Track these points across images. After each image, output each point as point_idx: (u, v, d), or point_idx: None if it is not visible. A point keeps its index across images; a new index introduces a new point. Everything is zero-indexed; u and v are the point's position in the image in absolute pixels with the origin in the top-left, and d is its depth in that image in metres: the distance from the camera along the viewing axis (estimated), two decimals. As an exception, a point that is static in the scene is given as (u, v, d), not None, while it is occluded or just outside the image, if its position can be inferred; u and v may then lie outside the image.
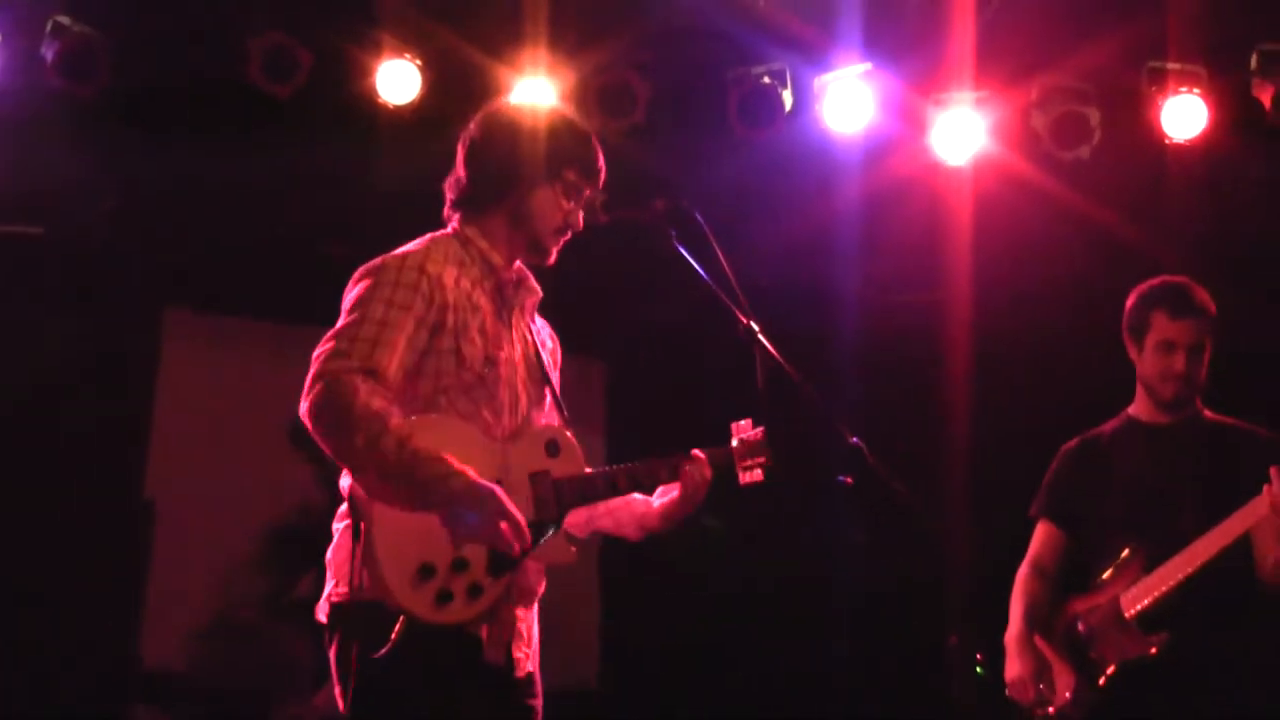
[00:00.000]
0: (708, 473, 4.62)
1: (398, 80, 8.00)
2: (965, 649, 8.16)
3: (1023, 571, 5.99)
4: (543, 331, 4.75)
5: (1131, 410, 5.88)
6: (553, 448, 4.45)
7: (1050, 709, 5.62)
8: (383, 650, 4.05)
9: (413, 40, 7.99)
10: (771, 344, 4.55)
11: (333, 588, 4.30)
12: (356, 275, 4.35)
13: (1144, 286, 5.81)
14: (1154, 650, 5.38)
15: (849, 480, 4.54)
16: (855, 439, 4.50)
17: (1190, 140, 7.94)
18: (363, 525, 4.08)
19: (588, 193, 4.58)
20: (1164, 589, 5.38)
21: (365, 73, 8.01)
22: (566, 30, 7.96)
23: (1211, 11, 7.82)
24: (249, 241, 9.11)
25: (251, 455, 9.11)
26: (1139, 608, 5.44)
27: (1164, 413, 5.71)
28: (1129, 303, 5.83)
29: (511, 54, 8.00)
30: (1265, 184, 8.29)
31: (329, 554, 4.37)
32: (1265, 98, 7.73)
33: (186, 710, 8.23)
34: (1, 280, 8.77)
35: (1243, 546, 5.31)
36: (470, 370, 4.33)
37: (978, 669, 8.05)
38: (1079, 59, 8.03)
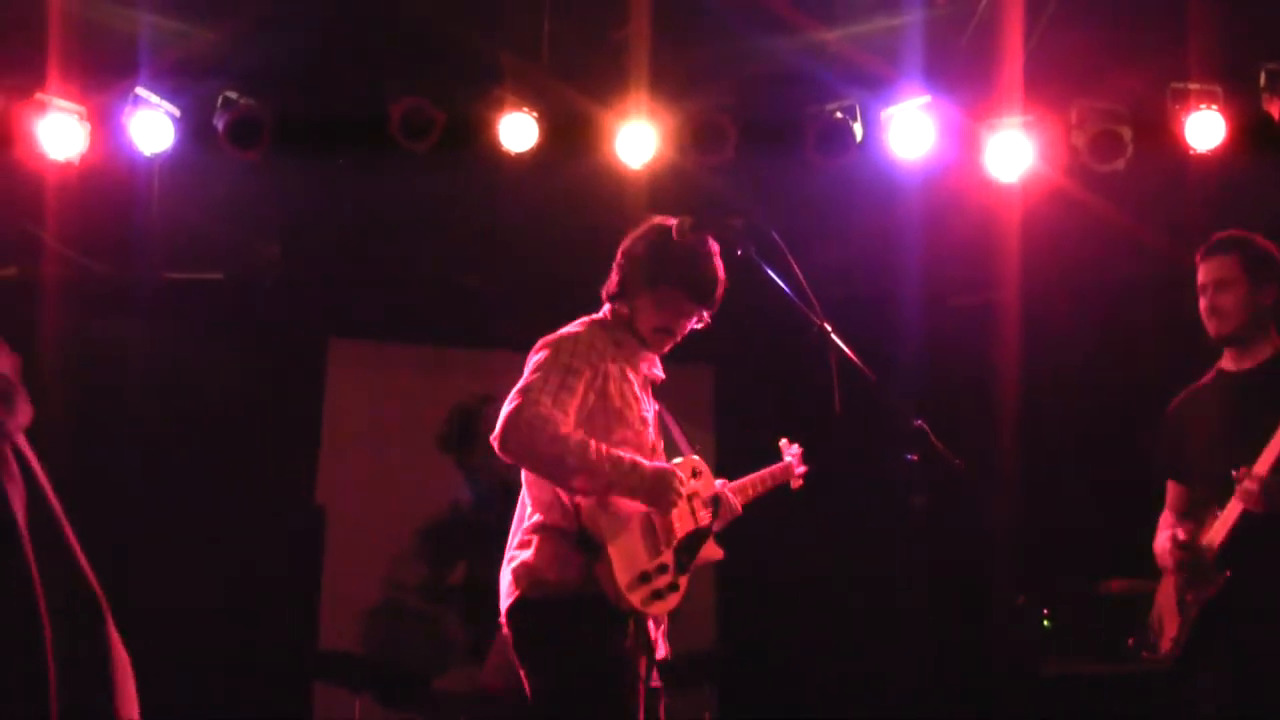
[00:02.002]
0: (739, 509, 5.45)
1: (518, 131, 8.32)
2: (1032, 605, 8.87)
3: (1163, 517, 5.97)
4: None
5: (1221, 362, 5.86)
6: (696, 474, 5.27)
7: (1159, 650, 5.73)
8: (627, 639, 4.86)
9: (530, 94, 8.33)
10: (842, 342, 5.07)
11: (543, 587, 4.90)
12: (537, 346, 5.05)
13: None
14: (1217, 586, 5.43)
15: (914, 457, 5.09)
16: (919, 422, 5.08)
17: (1211, 151, 8.18)
18: (601, 546, 4.80)
19: (689, 305, 5.20)
20: (1227, 527, 5.42)
21: (489, 125, 8.32)
22: (665, 79, 8.35)
23: (1225, 37, 8.05)
24: (397, 277, 9.73)
25: (407, 463, 9.71)
26: (1213, 548, 5.47)
27: (1243, 359, 5.73)
28: None
29: (616, 102, 8.38)
30: (1277, 189, 8.34)
31: (527, 557, 4.95)
32: (1274, 111, 8.04)
33: (359, 684, 8.58)
34: (189, 319, 9.48)
35: None
36: (630, 427, 5.07)
37: (1045, 622, 8.77)
38: (1112, 84, 8.32)
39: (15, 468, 3.01)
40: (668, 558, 5.02)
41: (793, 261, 5.10)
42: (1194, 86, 8.23)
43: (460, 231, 9.41)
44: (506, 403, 4.88)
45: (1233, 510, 5.43)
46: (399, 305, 10.08)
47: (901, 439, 5.11)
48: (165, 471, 9.36)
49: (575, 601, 4.87)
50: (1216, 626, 5.52)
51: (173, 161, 8.43)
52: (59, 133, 8.10)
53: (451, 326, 10.15)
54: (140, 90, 8.11)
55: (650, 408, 5.27)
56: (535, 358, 5.03)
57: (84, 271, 9.24)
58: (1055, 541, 8.73)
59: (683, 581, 5.08)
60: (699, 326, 5.32)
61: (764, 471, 5.76)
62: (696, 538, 5.18)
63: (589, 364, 5.00)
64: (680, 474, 5.00)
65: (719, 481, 5.41)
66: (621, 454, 4.87)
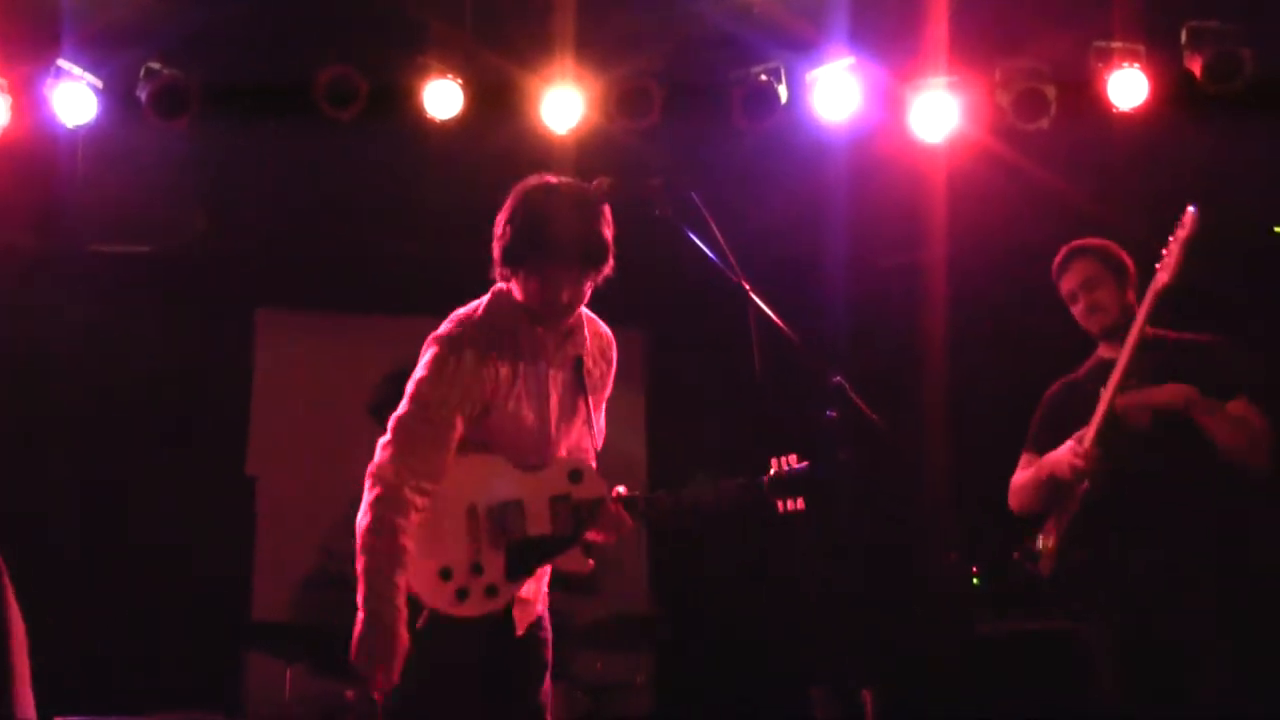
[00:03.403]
0: (629, 523, 5.05)
1: (443, 98, 8.25)
2: (962, 563, 8.93)
3: (1017, 478, 6.39)
4: (600, 353, 5.17)
5: (1098, 352, 6.28)
6: (575, 476, 4.96)
7: (1038, 564, 6.17)
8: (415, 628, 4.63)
9: (455, 61, 8.25)
10: (766, 303, 4.98)
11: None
12: (426, 343, 4.87)
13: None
14: (1080, 494, 5.91)
15: (834, 414, 5.01)
16: (838, 378, 4.99)
17: (1134, 109, 8.26)
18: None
19: (562, 272, 4.82)
20: (1092, 430, 5.86)
21: (414, 93, 8.23)
22: (590, 43, 8.29)
23: (1147, -4, 8.06)
24: (324, 246, 9.71)
25: (338, 432, 9.39)
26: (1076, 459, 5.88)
27: (1117, 348, 5.99)
28: None
29: (542, 67, 8.31)
30: (1199, 146, 8.51)
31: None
32: (1195, 68, 8.10)
33: (292, 653, 8.43)
34: (117, 293, 9.45)
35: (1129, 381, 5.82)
36: (521, 431, 4.88)
37: (974, 580, 8.84)
38: (1036, 43, 8.36)
39: None
40: (486, 559, 4.80)
41: (712, 221, 5.00)
42: (1117, 45, 8.28)
43: (387, 199, 9.40)
44: (391, 419, 4.80)
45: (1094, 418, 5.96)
46: (327, 274, 10.05)
47: (823, 397, 5.05)
48: (94, 446, 9.38)
49: None
50: (1085, 536, 6.00)
51: (96, 133, 8.35)
52: (-22, 105, 7.99)
53: (380, 294, 10.12)
54: (62, 62, 8.03)
55: (553, 388, 5.02)
56: (425, 356, 4.87)
57: (8, 245, 9.15)
58: (984, 499, 8.76)
59: (506, 586, 4.84)
60: (592, 288, 5.00)
61: (705, 489, 5.27)
62: (544, 544, 4.91)
63: (469, 392, 4.79)
64: (399, 649, 4.59)
65: (619, 489, 5.09)
66: (391, 596, 4.61)
